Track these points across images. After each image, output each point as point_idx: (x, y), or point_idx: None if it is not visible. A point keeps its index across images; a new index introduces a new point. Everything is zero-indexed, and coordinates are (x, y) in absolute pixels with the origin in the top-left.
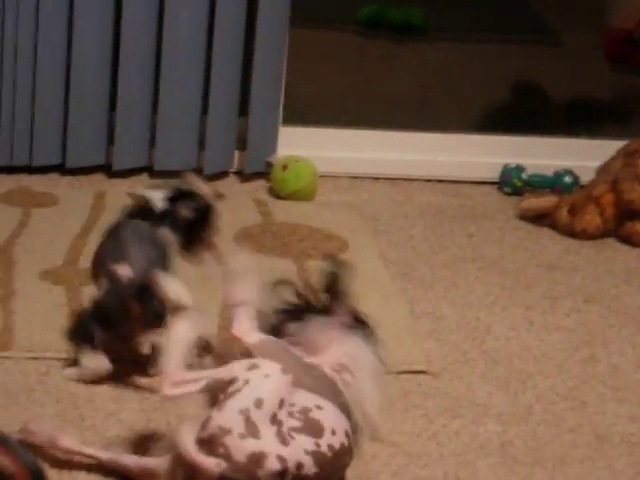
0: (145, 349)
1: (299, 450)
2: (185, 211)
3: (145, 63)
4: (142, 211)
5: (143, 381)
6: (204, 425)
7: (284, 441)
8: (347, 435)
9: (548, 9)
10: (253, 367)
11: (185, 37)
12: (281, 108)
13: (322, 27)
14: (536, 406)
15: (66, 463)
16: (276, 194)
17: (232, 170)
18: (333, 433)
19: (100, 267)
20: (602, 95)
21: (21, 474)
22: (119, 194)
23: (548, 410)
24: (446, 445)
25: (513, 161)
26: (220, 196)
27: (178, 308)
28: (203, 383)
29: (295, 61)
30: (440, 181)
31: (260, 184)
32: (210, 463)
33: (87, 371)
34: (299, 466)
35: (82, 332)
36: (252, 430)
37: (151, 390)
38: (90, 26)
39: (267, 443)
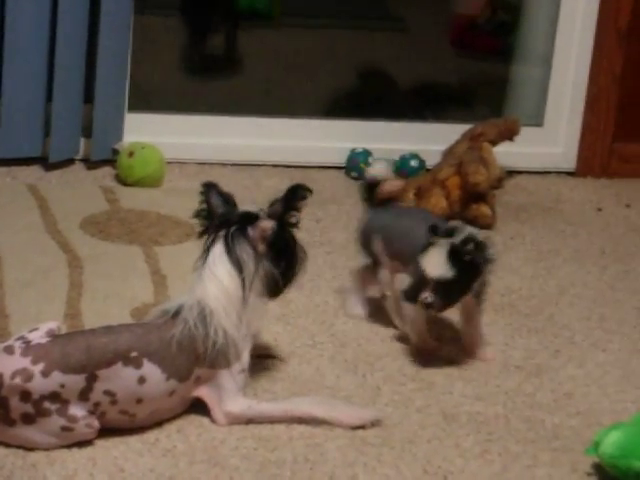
0: None
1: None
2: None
3: None
4: None
5: None
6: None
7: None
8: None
9: None
10: None
11: (28, 22)
12: (127, 94)
13: (166, 14)
14: (384, 387)
15: None
16: (123, 181)
17: (78, 157)
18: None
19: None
20: (447, 80)
21: None
22: None
23: (396, 391)
24: (295, 428)
25: (360, 146)
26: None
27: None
28: None
29: (140, 48)
30: (287, 166)
31: (107, 171)
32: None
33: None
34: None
35: None
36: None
37: None
38: None
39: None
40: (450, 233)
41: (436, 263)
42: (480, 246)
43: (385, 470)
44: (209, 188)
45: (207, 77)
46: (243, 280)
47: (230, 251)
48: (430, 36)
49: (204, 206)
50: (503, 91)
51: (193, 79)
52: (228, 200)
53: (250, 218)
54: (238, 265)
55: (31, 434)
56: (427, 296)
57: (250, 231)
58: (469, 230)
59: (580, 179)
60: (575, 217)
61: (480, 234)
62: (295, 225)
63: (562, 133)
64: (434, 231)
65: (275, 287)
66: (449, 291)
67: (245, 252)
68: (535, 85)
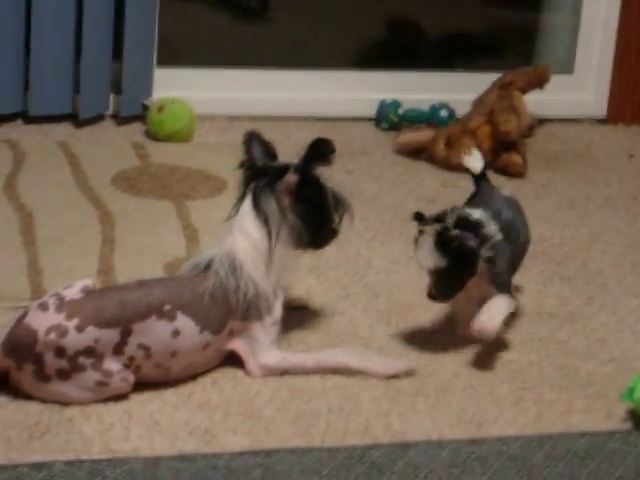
0: None
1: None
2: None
3: (15, 7)
4: None
5: None
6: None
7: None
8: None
9: None
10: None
11: None
12: (155, 50)
13: None
14: (417, 337)
15: None
16: (153, 136)
17: (108, 113)
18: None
19: None
20: (477, 29)
21: None
22: None
23: (430, 341)
24: (329, 379)
25: (389, 97)
26: None
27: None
28: None
29: (168, 2)
30: (317, 119)
31: (137, 127)
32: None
33: None
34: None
35: None
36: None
37: None
38: None
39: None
40: (440, 218)
41: (426, 253)
42: (469, 228)
43: (420, 419)
44: (251, 138)
45: (236, 31)
46: (269, 233)
47: (257, 204)
48: None
49: (247, 156)
50: (533, 39)
51: (222, 33)
52: (268, 151)
53: (281, 172)
54: (264, 217)
55: (67, 389)
56: (430, 288)
57: (278, 185)
58: (459, 212)
59: (611, 126)
60: (607, 164)
61: (476, 213)
62: (317, 179)
63: (592, 80)
64: (419, 219)
65: (304, 240)
66: (447, 280)
67: (270, 205)
68: (565, 32)
